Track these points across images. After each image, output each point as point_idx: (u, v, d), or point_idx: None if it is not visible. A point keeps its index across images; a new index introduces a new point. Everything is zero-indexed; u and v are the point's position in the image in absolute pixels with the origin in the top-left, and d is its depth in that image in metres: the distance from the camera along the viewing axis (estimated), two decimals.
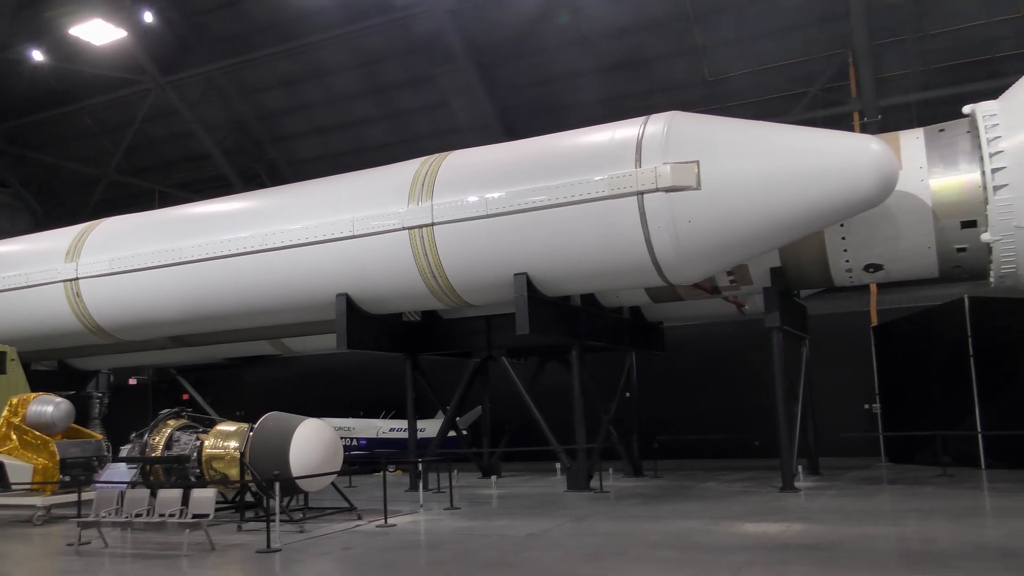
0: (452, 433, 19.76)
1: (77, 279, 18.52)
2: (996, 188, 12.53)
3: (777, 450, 15.14)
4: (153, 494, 11.66)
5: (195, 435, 14.40)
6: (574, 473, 16.42)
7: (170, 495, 11.21)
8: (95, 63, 27.71)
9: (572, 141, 14.42)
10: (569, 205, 13.51)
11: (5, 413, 15.48)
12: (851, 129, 21.11)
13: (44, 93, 30.04)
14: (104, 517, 11.22)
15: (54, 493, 14.57)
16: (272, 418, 13.60)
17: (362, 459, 22.30)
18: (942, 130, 13.93)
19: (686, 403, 22.14)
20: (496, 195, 14.11)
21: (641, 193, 12.96)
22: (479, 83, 25.49)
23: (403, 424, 21.11)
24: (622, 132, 13.72)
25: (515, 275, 14.34)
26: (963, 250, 13.71)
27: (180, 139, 31.46)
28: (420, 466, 16.87)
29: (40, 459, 14.91)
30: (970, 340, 17.40)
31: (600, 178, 13.30)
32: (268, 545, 10.36)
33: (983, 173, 12.75)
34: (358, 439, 23.98)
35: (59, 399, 15.83)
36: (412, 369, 18.61)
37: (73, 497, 13.12)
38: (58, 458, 14.98)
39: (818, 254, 14.81)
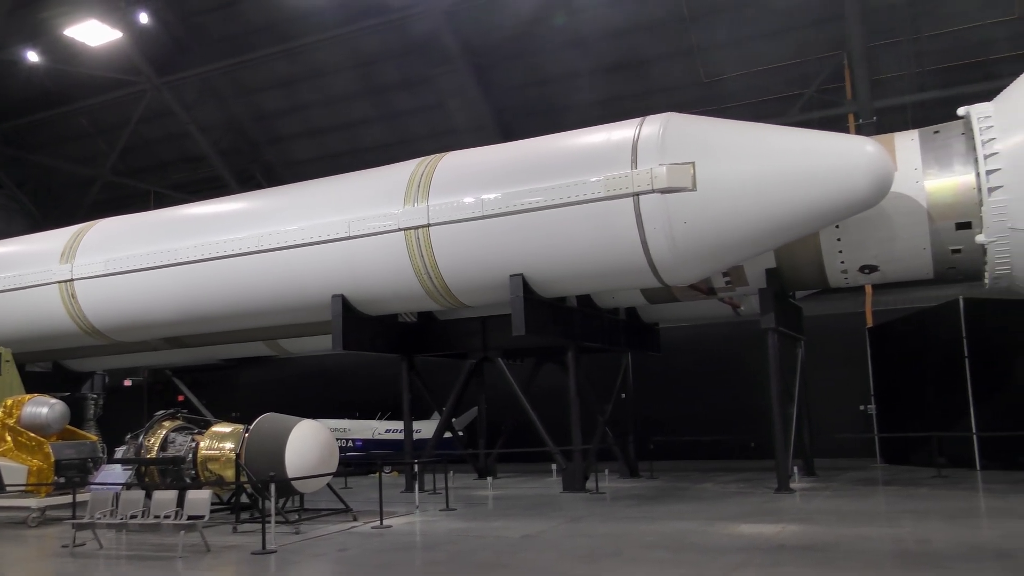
0: (448, 434, 19.75)
1: (72, 280, 18.48)
2: (991, 190, 12.58)
3: (772, 451, 15.16)
4: (148, 496, 11.65)
5: (190, 436, 14.37)
6: (570, 474, 16.42)
7: (165, 497, 11.20)
8: (90, 64, 27.65)
9: (568, 142, 14.43)
10: (565, 206, 13.51)
11: (0, 415, 15.44)
12: (846, 131, 21.15)
13: (39, 94, 29.98)
14: (99, 519, 11.19)
15: (49, 495, 14.54)
16: (268, 419, 13.59)
17: (358, 460, 22.27)
18: (937, 132, 13.97)
19: (682, 404, 22.15)
20: (492, 196, 14.11)
21: (637, 194, 12.98)
22: (475, 84, 25.49)
23: (399, 425, 21.09)
24: (618, 133, 13.73)
25: (511, 276, 14.34)
26: (958, 251, 13.75)
27: (176, 140, 31.42)
28: (416, 467, 16.87)
29: (35, 461, 14.88)
30: (965, 341, 17.44)
31: (596, 179, 13.31)
32: (264, 547, 10.33)
33: (978, 175, 12.80)
34: (354, 440, 23.96)
35: (54, 400, 15.78)
36: (408, 370, 18.62)
37: (68, 499, 13.11)
38: (53, 460, 14.94)
39: (813, 255, 14.84)
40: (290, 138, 30.28)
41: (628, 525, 11.61)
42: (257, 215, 16.72)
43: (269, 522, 10.75)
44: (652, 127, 13.37)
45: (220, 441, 13.86)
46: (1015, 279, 13.14)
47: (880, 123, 21.44)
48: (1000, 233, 12.63)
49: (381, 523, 12.29)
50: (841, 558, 8.62)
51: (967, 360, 17.36)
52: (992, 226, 12.66)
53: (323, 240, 15.46)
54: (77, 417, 20.51)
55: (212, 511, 11.64)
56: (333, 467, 13.48)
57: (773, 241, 13.50)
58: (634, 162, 13.12)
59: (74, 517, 11.76)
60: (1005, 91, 13.32)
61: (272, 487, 11.43)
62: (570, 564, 9.11)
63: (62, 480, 14.76)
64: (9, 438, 15.13)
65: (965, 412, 17.26)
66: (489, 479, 19.31)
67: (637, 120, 13.76)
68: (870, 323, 21.89)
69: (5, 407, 15.51)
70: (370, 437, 24.25)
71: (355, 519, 12.95)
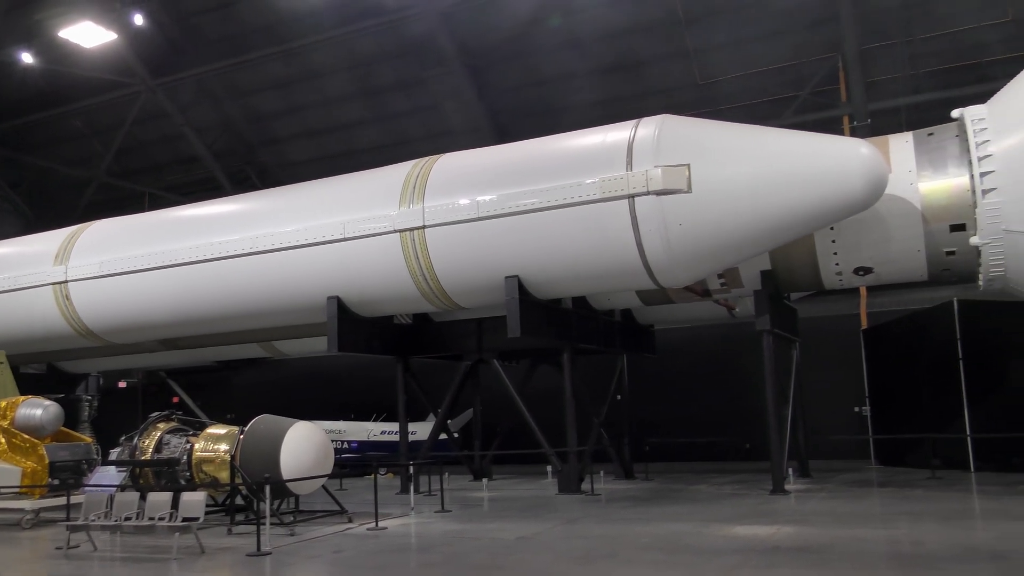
0: (443, 436, 19.74)
1: (66, 282, 18.44)
2: (985, 192, 12.61)
3: (767, 453, 15.18)
4: (143, 497, 11.59)
5: (185, 438, 14.34)
6: (565, 476, 16.42)
7: (160, 498, 11.16)
8: (85, 65, 27.59)
9: (563, 144, 14.44)
10: (560, 208, 13.52)
11: None
12: (841, 133, 21.21)
13: (34, 95, 29.88)
14: (93, 520, 11.16)
15: (43, 496, 14.49)
16: (262, 421, 13.56)
17: (353, 462, 22.25)
18: (931, 134, 14.00)
19: (677, 406, 22.16)
20: (487, 198, 14.12)
21: (632, 196, 12.99)
22: (471, 85, 25.49)
23: (394, 427, 21.09)
24: (613, 135, 13.74)
25: (506, 278, 14.34)
26: (952, 253, 13.79)
27: (170, 142, 31.35)
28: (411, 469, 16.85)
29: (29, 462, 14.82)
30: (959, 343, 17.48)
31: (591, 181, 13.33)
32: (258, 548, 10.32)
33: (972, 177, 12.83)
34: (349, 442, 23.93)
35: (48, 402, 15.73)
36: (403, 372, 18.60)
37: (62, 500, 13.05)
38: (47, 461, 14.89)
39: (808, 257, 14.87)
40: (285, 140, 30.24)
41: (623, 527, 11.61)
42: (252, 217, 16.70)
43: (264, 524, 10.72)
44: (647, 129, 13.39)
45: (215, 443, 13.84)
46: (1009, 281, 13.18)
47: (875, 125, 21.50)
48: (994, 235, 12.66)
49: (376, 525, 12.27)
50: (836, 560, 8.63)
51: (961, 362, 17.40)
52: (986, 228, 12.70)
53: (318, 242, 15.45)
54: (71, 419, 20.44)
55: (207, 513, 11.62)
56: (328, 469, 13.45)
57: (768, 243, 13.52)
58: (629, 164, 13.13)
59: (68, 519, 11.74)
60: (999, 93, 13.36)
61: (267, 489, 11.40)
62: (565, 566, 9.11)
63: (56, 482, 14.70)
64: (3, 440, 15.06)
65: (959, 414, 17.30)
66: (484, 481, 19.31)
67: (633, 122, 13.78)
68: (865, 325, 21.94)
69: None
70: (365, 439, 24.23)
71: (350, 521, 12.93)
